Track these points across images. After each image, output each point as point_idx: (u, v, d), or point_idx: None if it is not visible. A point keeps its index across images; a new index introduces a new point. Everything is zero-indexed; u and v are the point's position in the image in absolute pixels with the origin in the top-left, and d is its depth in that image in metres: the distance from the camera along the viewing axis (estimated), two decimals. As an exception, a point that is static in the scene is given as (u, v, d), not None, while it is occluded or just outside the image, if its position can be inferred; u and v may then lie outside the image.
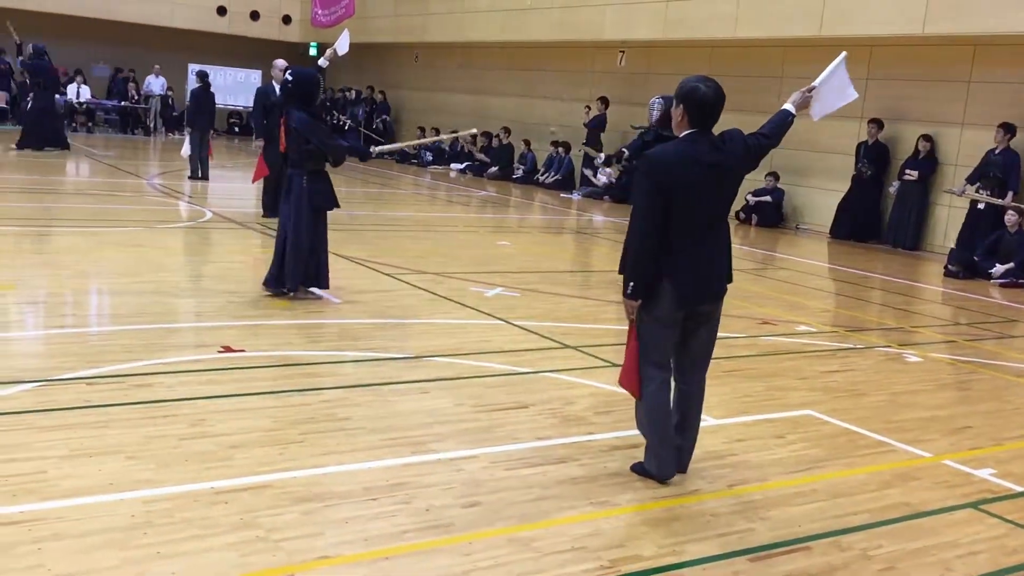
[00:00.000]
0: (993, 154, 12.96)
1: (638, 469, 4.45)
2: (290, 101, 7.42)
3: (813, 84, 4.88)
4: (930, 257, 13.77)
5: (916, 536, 4.04)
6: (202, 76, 16.50)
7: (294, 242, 7.37)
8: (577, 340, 6.96)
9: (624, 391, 4.48)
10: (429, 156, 23.69)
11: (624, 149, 10.13)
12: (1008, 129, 12.86)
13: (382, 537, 3.58)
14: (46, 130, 18.68)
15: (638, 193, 4.30)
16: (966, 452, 5.23)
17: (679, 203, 4.18)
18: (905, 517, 4.23)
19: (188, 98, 17.36)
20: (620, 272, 4.33)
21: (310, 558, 3.38)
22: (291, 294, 7.51)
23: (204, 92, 16.24)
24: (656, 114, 9.05)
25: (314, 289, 7.61)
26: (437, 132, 22.42)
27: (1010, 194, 12.60)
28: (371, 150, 8.27)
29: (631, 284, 4.24)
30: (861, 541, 3.93)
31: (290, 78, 7.44)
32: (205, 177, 15.81)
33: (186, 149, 15.86)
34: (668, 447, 4.36)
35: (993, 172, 12.85)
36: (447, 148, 23.52)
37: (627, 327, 4.39)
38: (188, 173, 15.90)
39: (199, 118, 15.98)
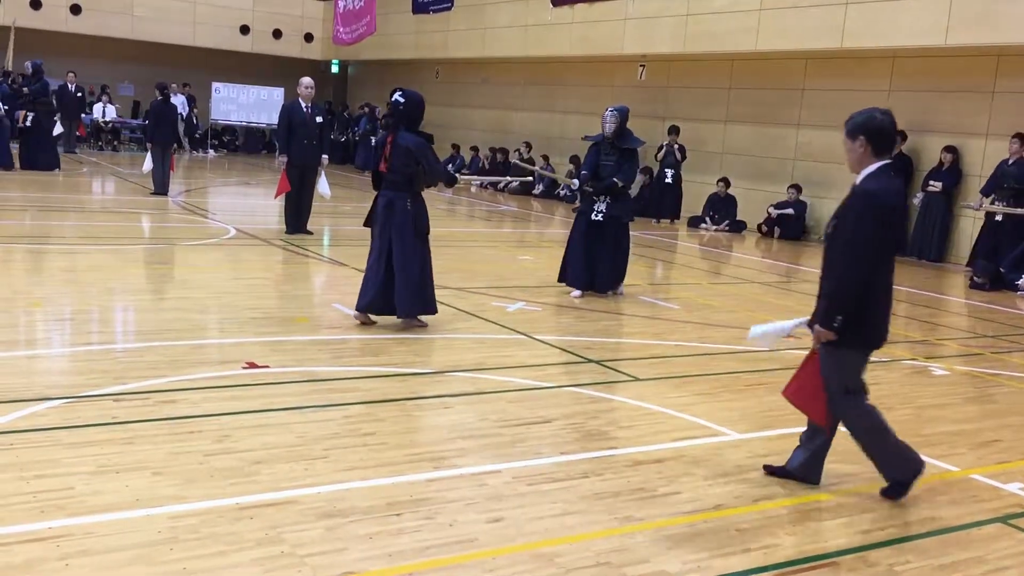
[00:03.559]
0: (1007, 164, 12.88)
1: (892, 492, 4.49)
2: (400, 123, 7.23)
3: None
4: (955, 269, 13.65)
5: (944, 551, 4.00)
6: (162, 89, 16.02)
7: (405, 267, 7.14)
8: (599, 355, 6.95)
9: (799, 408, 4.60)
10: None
11: (584, 172, 9.51)
12: (1023, 140, 12.80)
13: (406, 552, 3.59)
14: (53, 151, 18.57)
15: (860, 226, 4.23)
16: (994, 466, 5.17)
17: (892, 239, 4.33)
18: (933, 532, 4.19)
19: (149, 112, 16.56)
20: (833, 305, 4.29)
21: (334, 573, 3.39)
22: (401, 321, 7.31)
23: (164, 105, 15.74)
24: (609, 126, 9.35)
25: (421, 317, 7.39)
26: (522, 158, 21.31)
27: None
28: (458, 177, 8.49)
29: (839, 318, 4.25)
30: (888, 556, 3.89)
31: (401, 100, 7.20)
32: (165, 192, 15.33)
33: (147, 164, 15.31)
34: (901, 446, 4.47)
35: (1008, 183, 12.76)
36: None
37: (807, 353, 4.49)
38: (152, 189, 15.43)
39: (160, 132, 15.43)
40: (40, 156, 18.25)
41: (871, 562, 3.83)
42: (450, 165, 23.83)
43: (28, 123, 18.32)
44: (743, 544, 3.90)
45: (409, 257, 7.16)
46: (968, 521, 4.34)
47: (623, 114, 9.57)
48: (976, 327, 9.64)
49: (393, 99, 7.31)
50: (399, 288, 7.15)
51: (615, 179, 9.16)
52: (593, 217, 9.22)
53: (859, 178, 4.40)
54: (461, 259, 11.51)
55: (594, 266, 9.27)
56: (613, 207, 9.22)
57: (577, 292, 9.26)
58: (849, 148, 4.40)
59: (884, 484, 4.54)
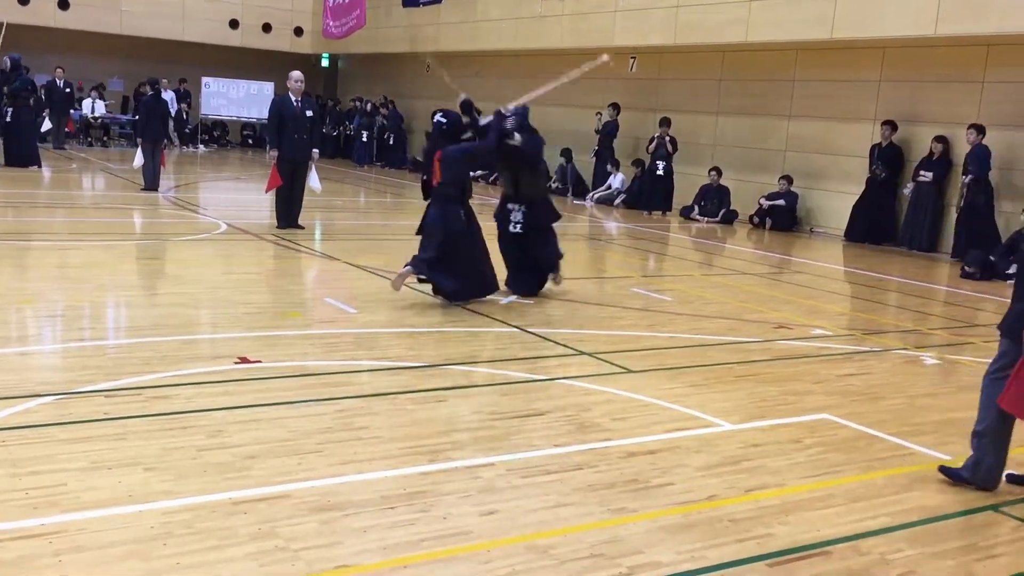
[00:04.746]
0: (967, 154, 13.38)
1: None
2: (442, 140, 8.07)
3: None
4: (945, 258, 13.69)
5: (936, 539, 4.02)
6: (153, 84, 15.97)
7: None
8: (592, 347, 6.96)
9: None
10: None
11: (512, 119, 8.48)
12: (979, 130, 13.21)
13: (400, 545, 3.59)
14: (31, 147, 18.05)
15: None
16: None
17: None
18: (924, 520, 4.21)
19: (140, 107, 16.28)
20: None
21: (329, 567, 3.39)
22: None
23: (155, 100, 15.70)
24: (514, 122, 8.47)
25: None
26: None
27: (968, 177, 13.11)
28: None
29: None
30: (880, 545, 3.91)
31: (444, 120, 8.09)
32: (156, 188, 15.26)
33: (138, 160, 15.21)
34: None
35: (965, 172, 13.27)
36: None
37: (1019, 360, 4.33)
38: (142, 185, 15.33)
39: (150, 128, 15.34)
40: (20, 152, 17.84)
41: (863, 551, 3.84)
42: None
43: (8, 119, 18.03)
44: (736, 534, 3.92)
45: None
46: (960, 509, 4.37)
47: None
48: (967, 316, 9.68)
49: (435, 119, 8.05)
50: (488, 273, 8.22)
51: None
52: (511, 229, 8.67)
53: None
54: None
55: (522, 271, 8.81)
56: (530, 215, 8.63)
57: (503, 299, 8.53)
58: None
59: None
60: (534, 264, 8.76)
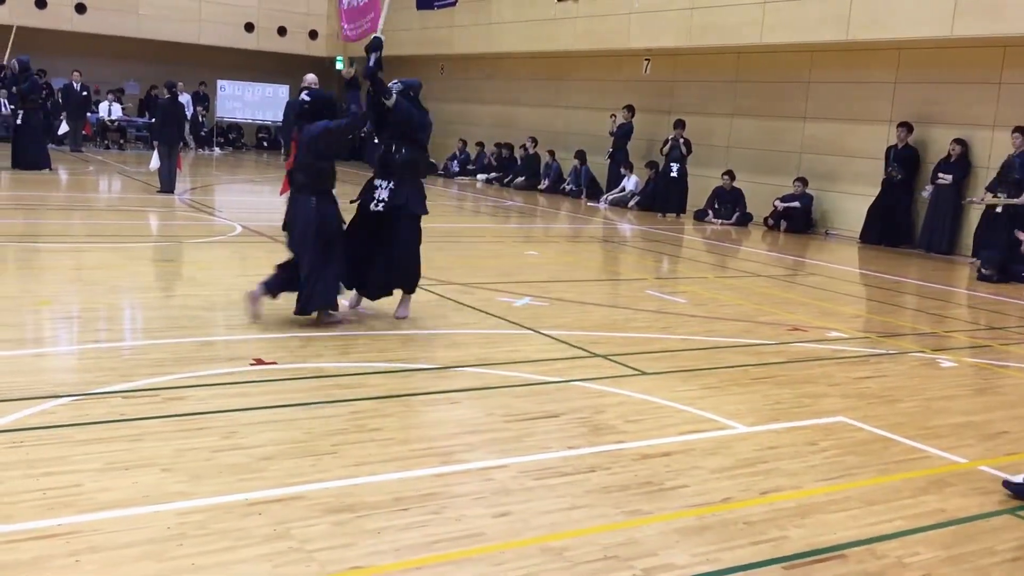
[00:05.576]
0: (1013, 157, 12.84)
1: None
2: (303, 121, 7.21)
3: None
4: (963, 261, 13.61)
5: (952, 543, 3.99)
6: (170, 87, 16.01)
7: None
8: (606, 349, 6.95)
9: None
10: (456, 167, 23.80)
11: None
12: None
13: (414, 547, 3.59)
14: (41, 150, 18.05)
15: None
16: (1002, 458, 5.15)
17: None
18: (941, 524, 4.18)
19: (157, 110, 16.25)
20: None
21: (342, 568, 3.40)
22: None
23: (172, 103, 15.78)
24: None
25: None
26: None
27: None
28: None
29: None
30: (897, 548, 3.89)
31: (307, 99, 7.26)
32: (172, 191, 15.30)
33: (154, 162, 15.30)
34: None
35: (1012, 175, 12.72)
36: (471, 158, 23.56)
37: None
38: (158, 188, 15.40)
39: (166, 130, 15.45)
40: (29, 155, 17.79)
41: (880, 554, 3.82)
42: (455, 160, 23.91)
43: (19, 121, 17.99)
44: (751, 537, 3.90)
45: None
46: (977, 512, 4.34)
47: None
48: (984, 319, 9.61)
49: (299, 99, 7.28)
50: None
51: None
52: (372, 207, 7.33)
53: None
54: (467, 254, 11.52)
55: (368, 264, 7.39)
56: (397, 194, 7.29)
57: (346, 300, 7.50)
58: None
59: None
60: (387, 262, 7.35)
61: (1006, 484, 4.44)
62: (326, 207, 7.04)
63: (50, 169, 17.93)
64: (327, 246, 7.00)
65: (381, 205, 7.26)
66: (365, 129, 8.93)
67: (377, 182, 7.37)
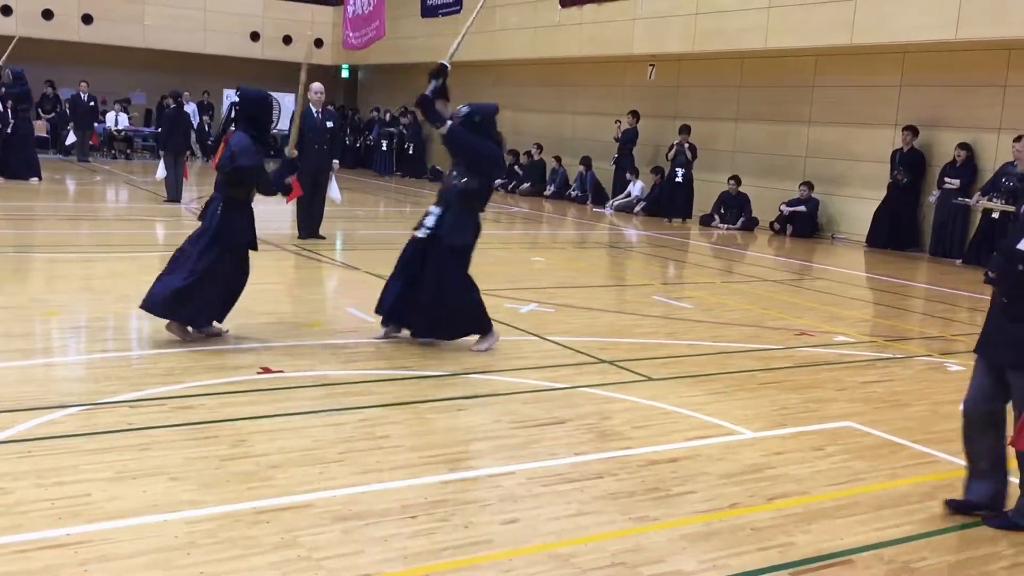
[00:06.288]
0: (1011, 166, 12.83)
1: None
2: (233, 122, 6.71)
3: None
4: (971, 266, 13.56)
5: (960, 548, 3.99)
6: (176, 96, 16.07)
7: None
8: (613, 355, 6.95)
9: None
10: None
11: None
12: None
13: (422, 554, 3.60)
14: (31, 159, 17.90)
15: None
16: (1011, 462, 5.13)
17: None
18: (949, 529, 4.18)
19: (162, 119, 16.14)
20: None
21: (351, 576, 3.41)
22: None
23: (178, 112, 15.81)
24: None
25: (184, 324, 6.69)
26: None
27: None
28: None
29: None
30: (904, 554, 3.88)
31: (237, 100, 6.73)
32: (178, 199, 15.33)
33: (160, 171, 15.30)
34: None
35: (1009, 182, 12.70)
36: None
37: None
38: (165, 196, 15.42)
39: (172, 139, 15.45)
40: (18, 164, 17.65)
41: (887, 559, 3.82)
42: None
43: (9, 130, 17.82)
44: (758, 543, 3.90)
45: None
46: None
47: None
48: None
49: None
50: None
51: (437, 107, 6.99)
52: (417, 233, 6.84)
53: None
54: (473, 261, 11.52)
55: (409, 296, 6.84)
56: (441, 222, 6.80)
57: (380, 331, 7.06)
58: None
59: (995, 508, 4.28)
60: (435, 295, 6.73)
61: (948, 503, 4.26)
62: (231, 215, 6.56)
63: (39, 179, 17.77)
64: (220, 257, 6.53)
65: (422, 230, 6.81)
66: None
67: (431, 207, 6.93)
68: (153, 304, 6.52)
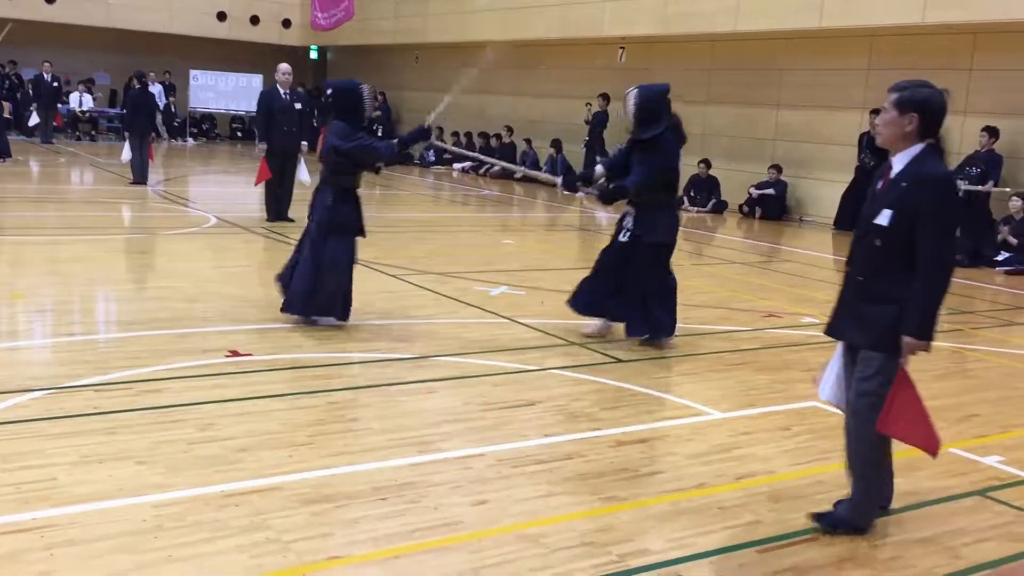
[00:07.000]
0: (979, 153, 12.99)
1: (839, 516, 3.88)
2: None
3: None
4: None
5: (923, 525, 4.05)
6: (139, 77, 15.90)
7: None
8: (583, 337, 6.97)
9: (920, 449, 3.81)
10: (432, 156, 23.74)
11: (599, 165, 7.49)
12: (992, 132, 12.95)
13: (392, 536, 3.60)
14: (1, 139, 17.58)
15: (948, 219, 3.77)
16: (973, 440, 5.23)
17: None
18: (912, 506, 4.24)
19: (127, 101, 15.92)
20: (933, 310, 3.82)
21: (320, 558, 3.41)
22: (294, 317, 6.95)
23: (142, 94, 15.65)
24: (630, 111, 7.28)
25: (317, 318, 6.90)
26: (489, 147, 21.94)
27: (990, 183, 12.62)
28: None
29: (934, 326, 3.74)
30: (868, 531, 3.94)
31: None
32: (144, 182, 15.17)
33: (126, 154, 15.15)
34: (889, 475, 4.04)
35: (976, 167, 12.85)
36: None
37: (898, 374, 3.81)
38: (131, 179, 15.27)
39: (137, 121, 15.28)
40: None
41: (851, 537, 3.87)
42: (430, 150, 23.82)
43: None
44: (725, 521, 3.94)
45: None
46: (947, 494, 4.40)
47: (644, 95, 7.41)
48: (954, 302, 9.71)
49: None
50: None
51: (613, 183, 7.04)
52: (620, 238, 6.94)
53: (905, 158, 4.03)
54: (444, 244, 11.50)
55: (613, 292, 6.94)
56: (638, 224, 6.84)
57: (590, 326, 7.10)
58: (892, 122, 3.94)
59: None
60: (637, 296, 6.83)
61: (814, 516, 3.95)
62: (342, 205, 6.73)
63: (9, 157, 17.53)
64: (337, 245, 6.69)
65: (628, 235, 6.85)
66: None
67: (626, 208, 7.03)
68: (290, 305, 6.78)
